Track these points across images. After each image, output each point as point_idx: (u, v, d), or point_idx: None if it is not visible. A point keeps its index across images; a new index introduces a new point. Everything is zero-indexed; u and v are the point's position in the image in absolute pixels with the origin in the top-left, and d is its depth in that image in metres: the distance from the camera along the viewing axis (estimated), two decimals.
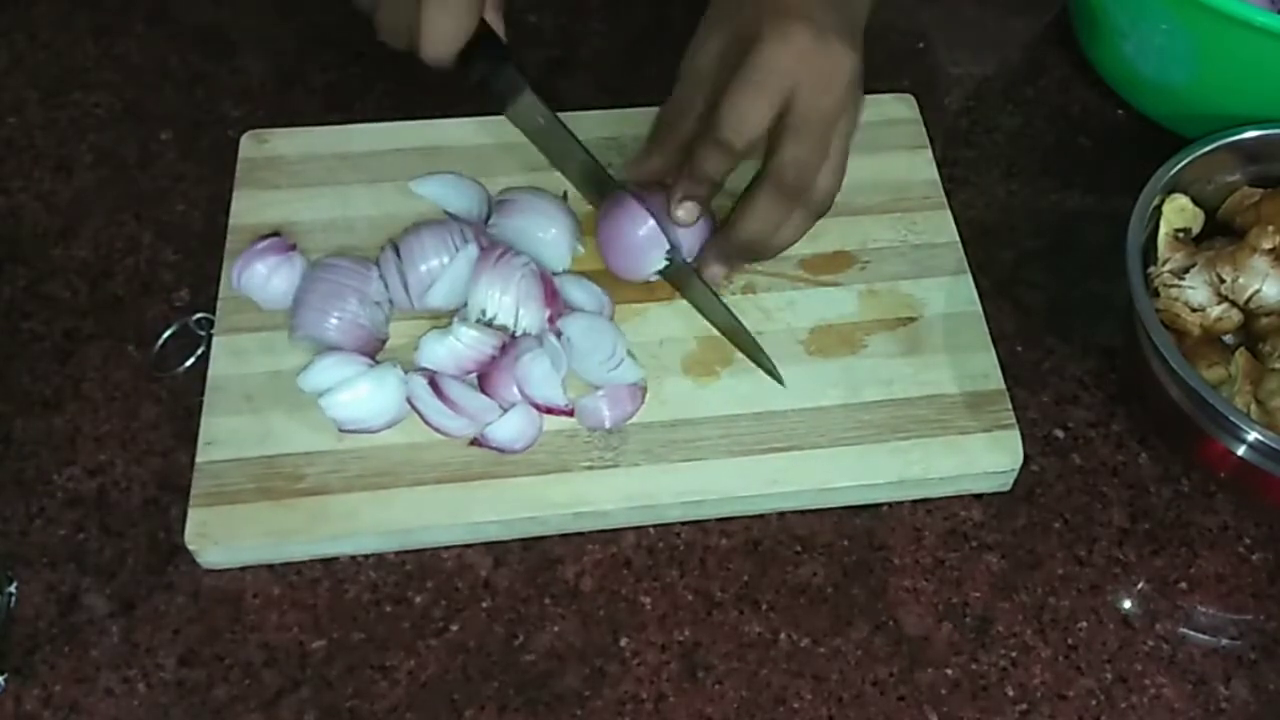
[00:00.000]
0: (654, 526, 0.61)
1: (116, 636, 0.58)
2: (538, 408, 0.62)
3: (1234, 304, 0.63)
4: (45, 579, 0.59)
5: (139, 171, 0.74)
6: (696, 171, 0.62)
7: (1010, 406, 0.63)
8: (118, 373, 0.66)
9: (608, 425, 0.62)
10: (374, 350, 0.64)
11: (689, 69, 0.62)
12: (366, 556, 0.60)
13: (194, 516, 0.59)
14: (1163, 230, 0.65)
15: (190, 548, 0.58)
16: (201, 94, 0.78)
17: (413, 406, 0.61)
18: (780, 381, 0.64)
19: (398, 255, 0.65)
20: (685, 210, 0.63)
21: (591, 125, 0.72)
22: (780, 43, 0.57)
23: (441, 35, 0.57)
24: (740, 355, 0.65)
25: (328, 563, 0.60)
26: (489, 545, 0.61)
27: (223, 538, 0.58)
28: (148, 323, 0.67)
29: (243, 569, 0.60)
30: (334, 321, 0.62)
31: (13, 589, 0.58)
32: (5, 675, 0.56)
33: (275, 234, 0.66)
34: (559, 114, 0.64)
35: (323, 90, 0.78)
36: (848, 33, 0.59)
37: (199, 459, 0.60)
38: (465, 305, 0.64)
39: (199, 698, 0.56)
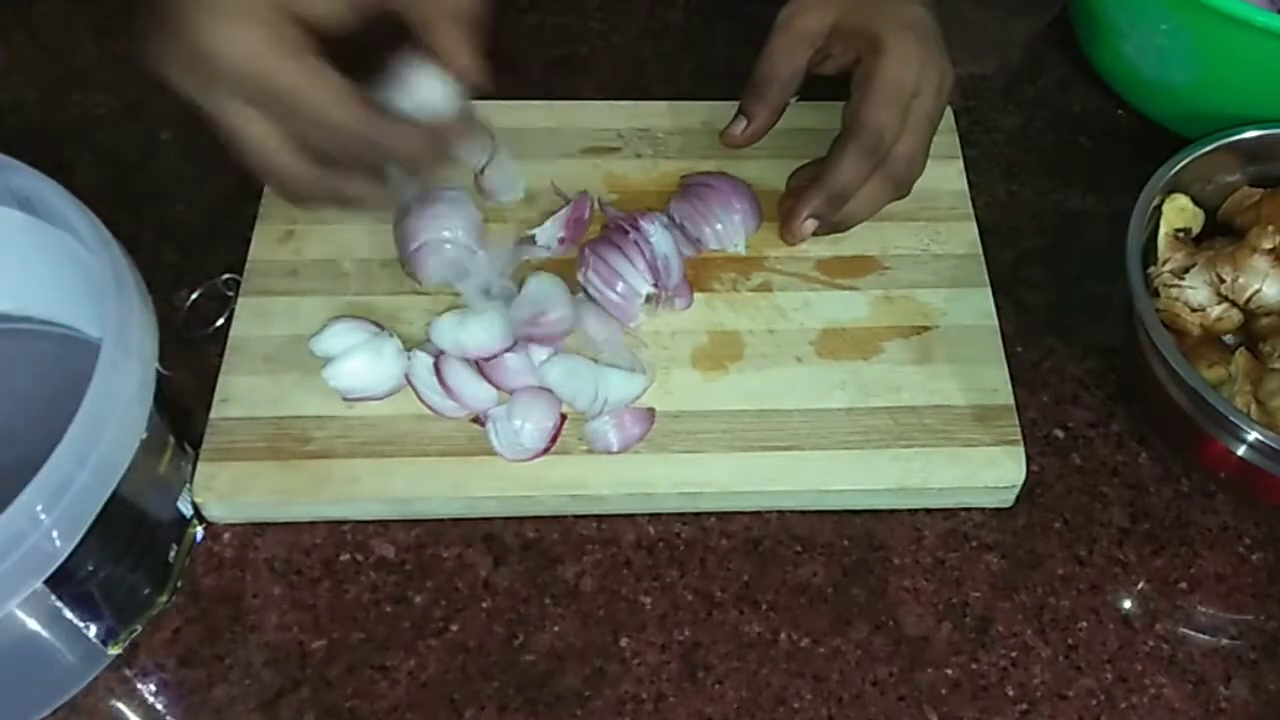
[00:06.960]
0: (654, 525, 0.61)
1: None
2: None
3: (1234, 304, 0.63)
4: None
5: (139, 171, 0.74)
6: (835, 184, 0.64)
7: (1017, 423, 0.63)
8: None
9: (615, 449, 0.61)
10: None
11: (792, 24, 0.64)
12: (367, 556, 0.60)
13: (203, 470, 0.60)
14: (1163, 230, 0.65)
15: (196, 500, 0.59)
16: None
17: (409, 382, 0.62)
18: None
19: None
20: (809, 226, 0.66)
21: (591, 116, 0.73)
22: (903, 57, 0.62)
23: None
24: (750, 352, 0.65)
25: (328, 562, 0.60)
26: (489, 544, 0.61)
27: (228, 493, 0.59)
28: None
29: (243, 567, 0.60)
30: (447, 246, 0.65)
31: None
32: None
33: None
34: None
35: None
36: (939, 38, 0.64)
37: (213, 414, 0.61)
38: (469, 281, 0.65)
39: (199, 698, 0.56)
